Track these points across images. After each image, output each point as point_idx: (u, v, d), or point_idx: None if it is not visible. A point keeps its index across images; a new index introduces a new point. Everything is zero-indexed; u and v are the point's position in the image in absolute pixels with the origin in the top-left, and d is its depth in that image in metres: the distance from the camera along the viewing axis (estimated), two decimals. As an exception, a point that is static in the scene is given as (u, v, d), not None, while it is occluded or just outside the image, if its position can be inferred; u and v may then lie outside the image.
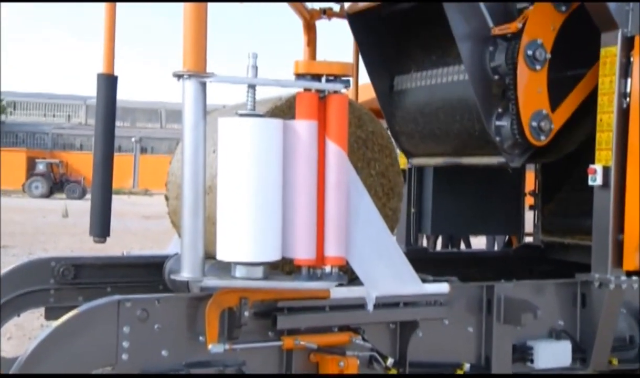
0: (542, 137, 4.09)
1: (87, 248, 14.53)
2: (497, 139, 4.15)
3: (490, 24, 4.05)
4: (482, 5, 4.04)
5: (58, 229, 19.32)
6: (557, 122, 4.14)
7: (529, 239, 5.61)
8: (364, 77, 5.29)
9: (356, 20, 4.85)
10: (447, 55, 4.46)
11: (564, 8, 4.11)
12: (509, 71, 4.03)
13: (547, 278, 4.11)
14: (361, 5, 4.78)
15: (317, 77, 3.06)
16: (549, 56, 4.04)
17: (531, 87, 4.04)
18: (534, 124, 4.07)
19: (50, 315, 4.09)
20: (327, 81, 3.06)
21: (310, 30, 5.13)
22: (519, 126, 4.06)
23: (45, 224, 20.16)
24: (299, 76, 3.07)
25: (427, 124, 4.74)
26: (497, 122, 4.15)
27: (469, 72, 4.11)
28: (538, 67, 4.02)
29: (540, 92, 4.07)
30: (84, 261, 4.23)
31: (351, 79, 3.17)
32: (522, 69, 4.00)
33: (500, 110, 4.15)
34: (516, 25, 3.97)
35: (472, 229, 6.19)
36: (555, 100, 4.13)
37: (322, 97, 3.06)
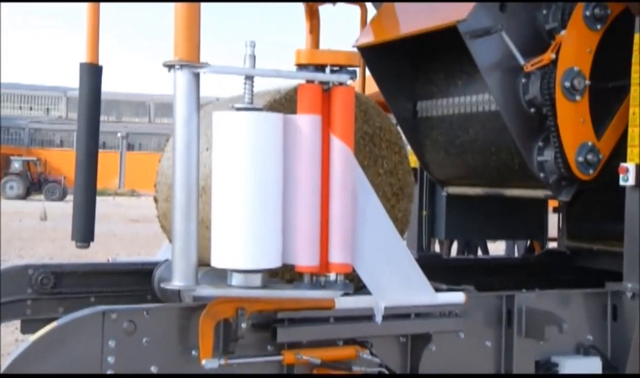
0: (591, 171, 4.14)
1: (68, 254, 14.59)
2: (541, 175, 4.18)
3: (520, 58, 4.04)
4: (506, 37, 4.01)
5: (36, 233, 19.37)
6: (604, 150, 4.16)
7: (552, 244, 5.63)
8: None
9: (368, 52, 4.83)
10: (474, 81, 4.46)
11: (598, 26, 4.12)
12: (546, 102, 4.04)
13: (573, 287, 4.12)
14: (371, 39, 4.75)
15: (320, 67, 3.06)
16: (588, 82, 4.06)
17: (573, 119, 4.06)
18: (580, 159, 4.11)
19: (27, 328, 4.10)
20: (332, 71, 3.07)
21: (313, 16, 5.14)
22: (563, 160, 4.09)
23: (22, 228, 20.21)
24: (301, 67, 3.08)
25: (461, 155, 4.77)
26: (539, 158, 4.18)
27: (500, 107, 4.13)
28: (578, 97, 4.04)
29: (583, 122, 4.08)
30: (64, 268, 4.24)
31: (358, 70, 3.17)
32: (560, 102, 4.02)
33: (540, 144, 4.17)
34: (549, 56, 3.98)
35: (490, 234, 6.19)
36: (600, 126, 4.15)
37: (326, 90, 3.07)
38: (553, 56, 3.99)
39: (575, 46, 4.06)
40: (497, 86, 4.10)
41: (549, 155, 4.14)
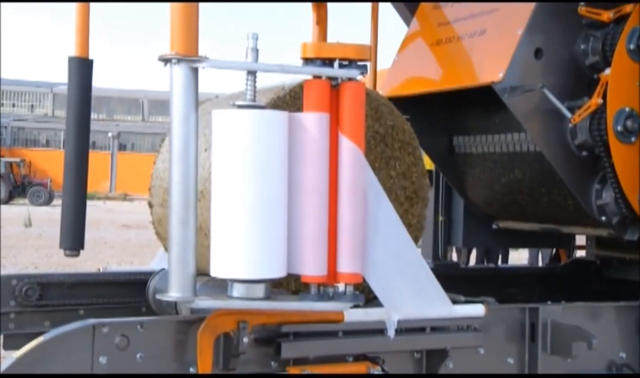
0: None
1: (54, 263, 14.64)
2: (603, 218, 4.19)
3: (565, 112, 4.04)
4: (548, 93, 4.02)
5: (19, 241, 19.43)
6: None
7: (580, 253, 5.62)
8: (382, 62, 5.32)
9: (396, 100, 4.88)
10: (512, 119, 4.44)
11: None
12: (599, 145, 4.05)
13: (603, 299, 4.12)
14: (402, 90, 4.77)
15: (328, 61, 3.07)
16: None
17: (631, 160, 4.06)
18: None
19: (10, 343, 4.11)
20: (341, 66, 3.07)
21: (320, 6, 5.16)
22: (625, 203, 4.10)
23: (4, 235, 20.21)
24: (308, 61, 3.09)
25: (508, 194, 4.79)
26: (598, 202, 4.18)
27: (547, 154, 4.14)
28: (633, 139, 4.04)
29: None
30: (51, 278, 4.26)
31: (369, 64, 3.18)
32: (615, 145, 4.01)
33: (597, 186, 4.18)
34: (596, 101, 3.99)
35: (512, 242, 6.19)
36: None
37: (335, 86, 3.09)
38: (600, 100, 3.99)
39: (623, 85, 4.05)
40: (541, 136, 4.13)
41: (608, 198, 4.14)
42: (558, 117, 4.08)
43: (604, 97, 4.00)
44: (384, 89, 4.81)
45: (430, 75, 4.65)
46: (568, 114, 4.03)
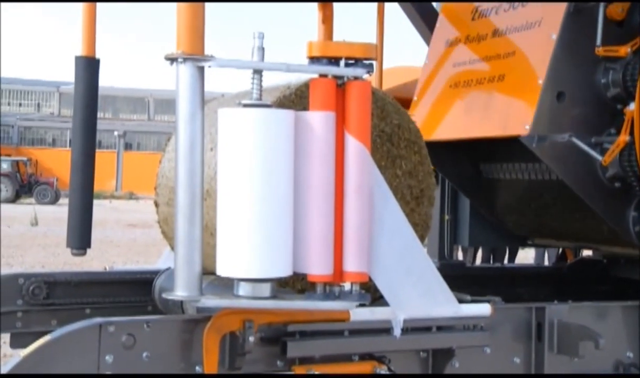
0: None
1: (60, 262, 14.66)
2: None
3: (596, 155, 4.04)
4: (576, 141, 4.01)
5: (26, 240, 19.47)
6: None
7: (587, 252, 5.61)
8: (388, 60, 5.32)
9: None
10: None
11: None
12: (631, 177, 4.06)
13: (610, 299, 4.11)
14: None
15: (334, 60, 3.08)
16: None
17: None
18: None
19: (17, 342, 4.14)
20: (347, 65, 3.08)
21: (326, 5, 5.16)
22: None
23: (11, 234, 20.31)
24: (314, 60, 3.09)
25: (539, 217, 4.81)
26: (637, 228, 4.20)
27: (578, 192, 4.15)
28: None
29: None
30: (57, 277, 4.28)
31: (375, 63, 3.18)
32: None
33: (634, 214, 4.19)
34: (624, 139, 3.99)
35: (518, 240, 6.18)
36: None
37: (341, 85, 3.09)
38: (628, 137, 3.99)
39: None
40: (571, 175, 4.14)
41: None
42: (587, 157, 4.07)
43: (631, 132, 4.01)
44: None
45: (454, 121, 4.64)
46: (598, 157, 4.04)
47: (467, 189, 5.09)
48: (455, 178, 5.07)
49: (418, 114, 4.82)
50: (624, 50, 4.04)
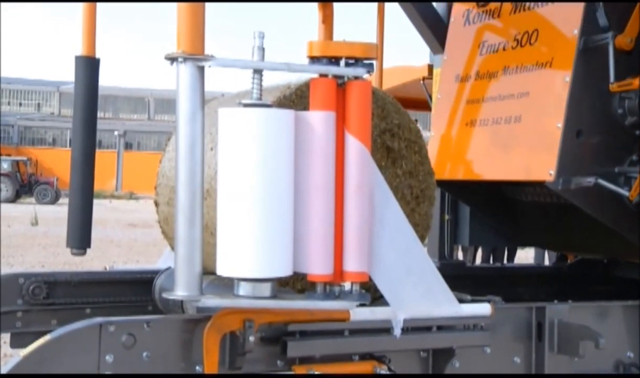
0: None
1: (61, 262, 14.67)
2: None
3: (624, 192, 4.06)
4: (603, 182, 4.04)
5: (26, 240, 19.47)
6: None
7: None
8: (388, 60, 5.33)
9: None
10: None
11: None
12: None
13: (611, 299, 4.11)
14: (442, 175, 4.80)
15: (334, 60, 3.08)
16: None
17: None
18: None
19: (17, 342, 4.13)
20: (347, 64, 3.08)
21: (326, 5, 5.16)
22: None
23: (11, 234, 20.32)
24: (314, 59, 3.10)
25: (566, 237, 4.81)
26: None
27: (605, 221, 4.16)
28: None
29: None
30: (58, 277, 4.27)
31: (375, 63, 3.18)
32: None
33: None
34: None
35: (518, 240, 6.19)
36: None
37: (341, 84, 3.09)
38: None
39: None
40: (598, 208, 4.14)
41: None
42: (614, 193, 4.07)
43: None
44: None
45: (474, 161, 4.64)
46: (626, 193, 4.05)
47: (488, 212, 5.08)
48: (475, 203, 5.07)
49: (435, 151, 4.83)
50: (637, 82, 4.03)
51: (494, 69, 4.53)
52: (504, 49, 4.49)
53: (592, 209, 4.15)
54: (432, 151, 4.82)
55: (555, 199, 4.52)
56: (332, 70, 3.07)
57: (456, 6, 4.94)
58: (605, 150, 4.13)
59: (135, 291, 4.37)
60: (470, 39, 4.74)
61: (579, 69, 4.04)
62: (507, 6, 4.53)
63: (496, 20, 4.61)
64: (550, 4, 4.27)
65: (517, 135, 4.29)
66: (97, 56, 3.76)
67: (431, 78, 5.65)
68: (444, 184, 4.84)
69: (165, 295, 3.10)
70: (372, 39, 5.21)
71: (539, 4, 4.35)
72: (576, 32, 4.04)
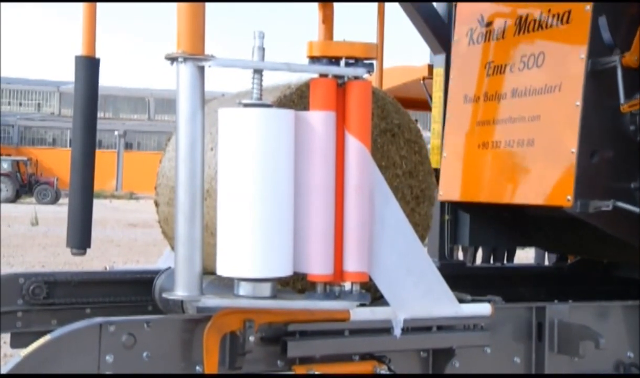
0: None
1: (61, 262, 14.67)
2: None
3: None
4: (621, 204, 4.03)
5: (26, 240, 19.47)
6: None
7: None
8: (388, 60, 5.33)
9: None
10: None
11: None
12: None
13: (611, 299, 4.12)
14: (456, 196, 4.83)
15: (335, 60, 3.08)
16: None
17: None
18: None
19: (18, 342, 4.13)
20: (347, 64, 3.08)
21: (326, 5, 5.16)
22: None
23: (11, 234, 20.32)
24: (314, 59, 3.10)
25: (579, 246, 4.82)
26: None
27: (620, 236, 4.18)
28: None
29: None
30: (58, 277, 4.27)
31: (375, 63, 3.19)
32: None
33: None
34: None
35: (519, 240, 6.18)
36: None
37: (341, 84, 3.09)
38: None
39: None
40: (615, 226, 4.13)
41: None
42: (633, 212, 4.07)
43: None
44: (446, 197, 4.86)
45: (490, 184, 4.61)
46: None
47: (498, 226, 5.08)
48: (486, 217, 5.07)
49: (449, 173, 4.83)
50: None
51: (502, 91, 4.51)
52: (510, 70, 4.47)
53: (610, 228, 4.15)
54: (446, 172, 4.84)
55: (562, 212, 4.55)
56: (332, 70, 3.07)
57: (459, 26, 4.92)
58: (619, 167, 4.12)
59: (135, 291, 4.37)
60: (476, 59, 4.72)
61: (589, 92, 4.02)
62: (511, 27, 4.51)
63: (500, 41, 4.59)
64: (554, 27, 4.24)
65: (531, 159, 4.28)
66: (97, 55, 3.76)
67: (431, 78, 5.64)
68: (460, 205, 4.89)
69: (165, 295, 3.10)
70: (373, 39, 5.22)
71: (543, 26, 4.32)
72: (583, 56, 4.02)
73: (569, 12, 4.14)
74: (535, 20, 4.35)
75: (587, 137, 4.03)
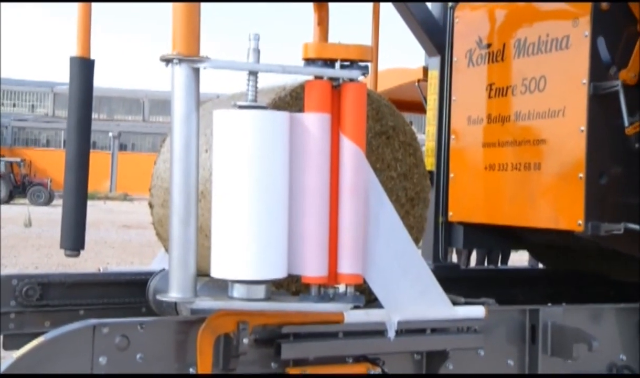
0: None
1: (54, 263, 14.65)
2: None
3: None
4: (631, 225, 4.03)
5: (19, 241, 19.45)
6: None
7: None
8: (383, 62, 5.33)
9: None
10: None
11: None
12: None
13: (605, 301, 4.12)
14: (466, 218, 4.86)
15: (330, 62, 3.08)
16: None
17: None
18: None
19: (10, 343, 4.12)
20: (342, 66, 3.09)
21: (321, 7, 5.16)
22: None
23: (4, 235, 20.26)
24: (309, 61, 3.10)
25: (585, 260, 4.82)
26: None
27: (632, 253, 4.19)
28: None
29: None
30: (51, 279, 4.27)
31: (370, 65, 3.19)
32: None
33: None
34: None
35: (513, 243, 6.19)
36: None
37: (336, 86, 3.09)
38: None
39: None
40: (630, 248, 4.13)
41: None
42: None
43: None
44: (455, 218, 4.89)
45: (499, 206, 4.62)
46: None
47: (502, 237, 5.08)
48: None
49: (458, 195, 4.86)
50: None
51: (505, 113, 4.51)
52: (512, 93, 4.48)
53: (622, 247, 4.16)
54: (455, 193, 4.87)
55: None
56: (327, 72, 3.08)
57: (457, 48, 4.92)
58: (627, 186, 4.12)
59: (129, 292, 4.36)
60: (477, 81, 4.71)
61: (593, 117, 4.02)
62: (510, 49, 4.51)
63: (500, 63, 4.58)
64: (554, 51, 4.23)
65: (539, 182, 4.28)
66: (92, 56, 3.76)
67: (426, 80, 5.64)
68: (468, 226, 4.91)
69: (159, 297, 3.10)
70: (367, 41, 5.22)
71: (542, 49, 4.32)
72: (585, 81, 4.03)
73: (568, 37, 4.14)
74: (534, 44, 4.35)
75: (594, 161, 4.04)
